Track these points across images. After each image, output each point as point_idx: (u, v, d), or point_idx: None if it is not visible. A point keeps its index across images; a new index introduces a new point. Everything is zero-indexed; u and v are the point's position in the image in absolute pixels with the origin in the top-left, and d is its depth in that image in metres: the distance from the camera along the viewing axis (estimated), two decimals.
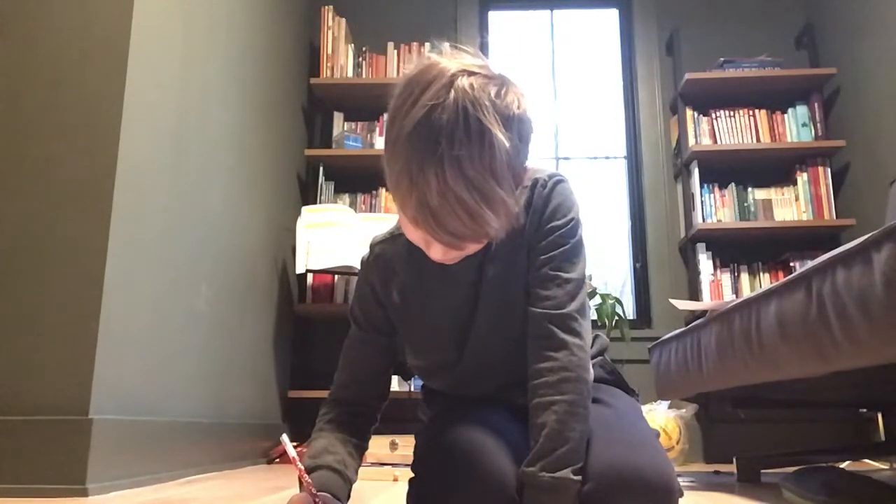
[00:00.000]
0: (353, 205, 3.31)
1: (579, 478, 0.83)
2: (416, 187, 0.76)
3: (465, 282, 0.95)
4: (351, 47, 3.44)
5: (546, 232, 0.93)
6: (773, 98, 3.32)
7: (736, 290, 3.16)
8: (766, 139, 3.27)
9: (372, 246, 1.03)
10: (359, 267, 1.05)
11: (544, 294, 0.92)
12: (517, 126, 0.80)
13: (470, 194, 0.75)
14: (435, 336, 1.00)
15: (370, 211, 3.30)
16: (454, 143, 0.74)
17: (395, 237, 1.00)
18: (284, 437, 0.91)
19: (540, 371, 0.89)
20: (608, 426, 0.90)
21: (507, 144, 0.77)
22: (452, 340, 0.98)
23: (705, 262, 3.17)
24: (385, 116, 3.32)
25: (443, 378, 1.05)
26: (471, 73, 0.78)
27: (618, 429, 0.90)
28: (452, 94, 0.76)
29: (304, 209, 2.99)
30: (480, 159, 0.75)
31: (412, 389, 2.55)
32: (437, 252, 0.84)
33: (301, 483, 0.89)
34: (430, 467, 0.91)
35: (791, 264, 3.12)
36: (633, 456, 0.85)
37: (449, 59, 0.80)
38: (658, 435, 2.60)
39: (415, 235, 0.85)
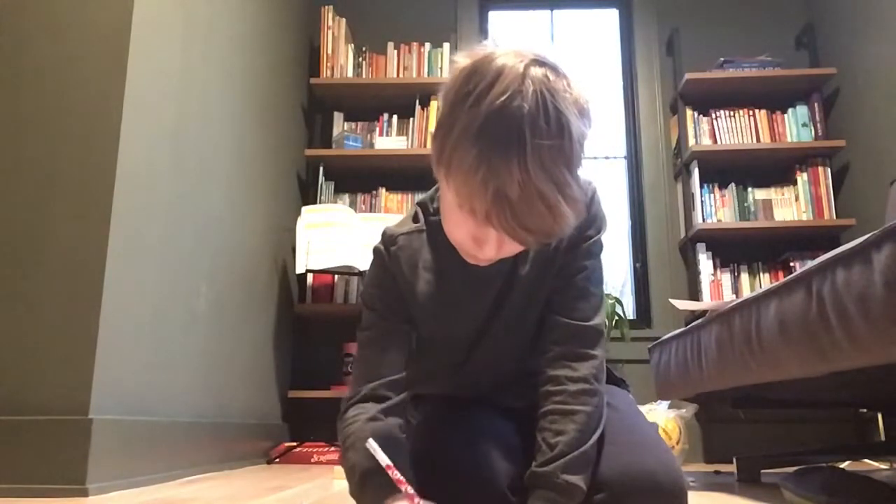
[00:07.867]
0: (352, 205, 3.30)
1: (585, 488, 0.84)
2: (494, 178, 0.70)
3: (492, 285, 0.93)
4: (351, 47, 3.44)
5: (583, 239, 0.93)
6: (773, 98, 3.31)
7: (736, 290, 3.16)
8: (766, 139, 3.27)
9: (394, 236, 0.94)
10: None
11: (573, 305, 0.92)
12: (587, 118, 0.77)
13: (549, 187, 0.71)
14: (448, 338, 0.97)
15: (370, 211, 3.30)
16: (536, 132, 0.70)
17: (416, 233, 0.94)
18: (372, 443, 0.79)
19: (559, 379, 0.88)
20: (613, 430, 0.90)
21: (584, 135, 0.75)
22: (465, 343, 0.97)
23: (705, 262, 3.17)
24: (385, 116, 3.27)
25: (442, 381, 1.04)
26: (541, 64, 0.74)
27: (623, 431, 0.91)
28: (529, 82, 0.72)
29: (304, 209, 2.99)
30: (560, 151, 0.71)
31: None
32: (489, 251, 0.78)
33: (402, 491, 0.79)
34: (423, 467, 0.91)
35: (791, 264, 3.12)
36: (643, 461, 0.85)
37: (506, 49, 0.76)
38: (656, 427, 2.60)
39: (462, 233, 0.79)
